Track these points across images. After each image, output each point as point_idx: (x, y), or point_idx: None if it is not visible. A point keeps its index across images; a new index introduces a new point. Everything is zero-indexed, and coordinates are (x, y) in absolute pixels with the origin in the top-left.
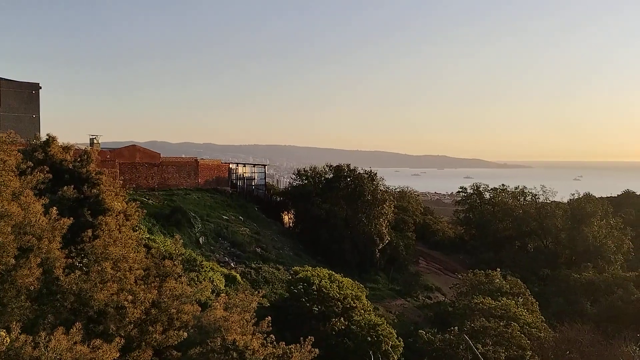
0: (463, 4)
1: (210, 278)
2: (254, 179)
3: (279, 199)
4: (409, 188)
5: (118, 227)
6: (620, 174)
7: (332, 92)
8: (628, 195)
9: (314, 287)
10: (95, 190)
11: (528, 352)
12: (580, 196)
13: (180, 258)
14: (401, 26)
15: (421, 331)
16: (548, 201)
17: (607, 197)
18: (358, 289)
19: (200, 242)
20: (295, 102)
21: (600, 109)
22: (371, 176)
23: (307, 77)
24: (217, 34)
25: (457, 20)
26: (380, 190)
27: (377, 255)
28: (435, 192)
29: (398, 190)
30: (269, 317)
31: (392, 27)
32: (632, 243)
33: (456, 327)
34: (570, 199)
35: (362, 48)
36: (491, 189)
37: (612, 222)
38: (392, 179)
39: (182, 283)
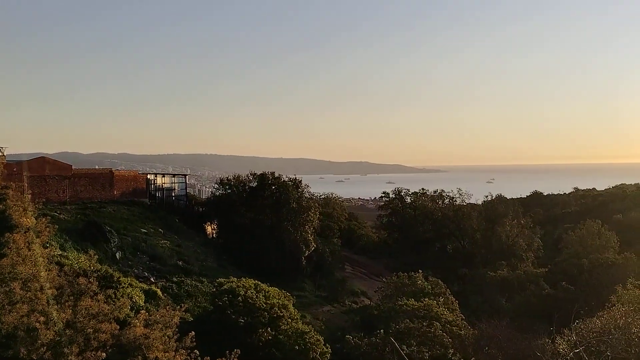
0: (386, 10)
1: (128, 294)
2: (174, 189)
3: (201, 209)
4: (334, 194)
5: (27, 244)
6: (529, 176)
7: (254, 98)
8: (536, 195)
9: (240, 298)
10: (0, 206)
11: (450, 350)
12: (493, 198)
13: (95, 275)
14: (322, 33)
15: (348, 336)
16: (464, 203)
17: (518, 198)
18: (285, 297)
19: (117, 257)
20: (217, 109)
21: (509, 116)
22: (296, 184)
23: (227, 82)
24: (131, 34)
25: (381, 24)
26: (305, 197)
27: (304, 263)
28: (359, 198)
29: (323, 197)
30: (192, 332)
31: (313, 35)
32: (541, 241)
33: (382, 330)
34: (484, 201)
35: (285, 54)
36: (412, 193)
37: (522, 221)
38: (316, 186)
39: (98, 301)
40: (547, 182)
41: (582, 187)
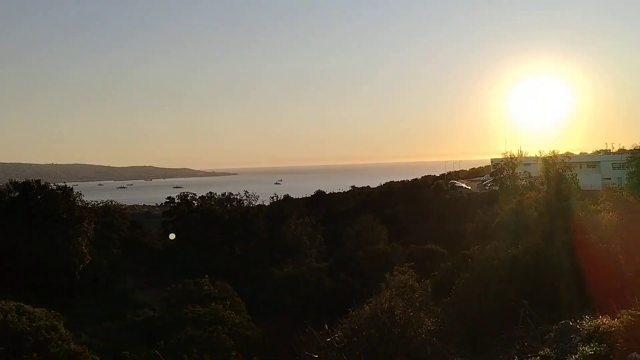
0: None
1: None
2: None
3: None
4: (114, 202)
5: None
6: (314, 176)
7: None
8: (319, 195)
9: None
10: None
11: (233, 353)
12: (280, 199)
13: None
14: (128, 33)
15: (125, 352)
16: (252, 205)
17: (303, 198)
18: (54, 318)
19: None
20: None
21: (301, 119)
22: (66, 192)
23: None
24: None
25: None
26: (78, 206)
27: (78, 278)
28: (144, 205)
29: (101, 205)
30: None
31: (117, 35)
32: (324, 237)
33: (162, 342)
34: (271, 202)
35: (80, 56)
36: (199, 198)
37: (306, 219)
38: (95, 194)
39: None
40: (329, 181)
41: (358, 185)
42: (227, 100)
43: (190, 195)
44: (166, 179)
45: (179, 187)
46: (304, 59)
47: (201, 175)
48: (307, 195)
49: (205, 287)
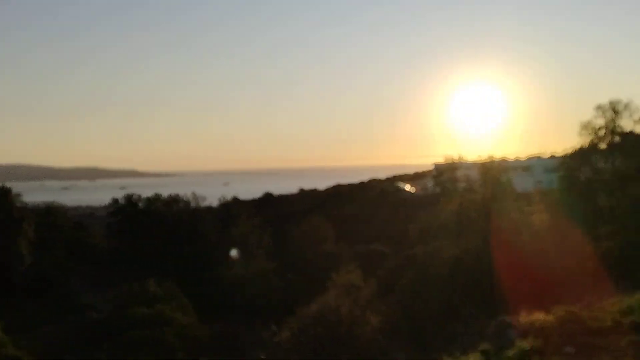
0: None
1: None
2: None
3: None
4: (57, 203)
5: None
6: (263, 178)
7: None
8: (268, 196)
9: None
10: None
11: (179, 354)
12: (228, 200)
13: None
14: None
15: (67, 356)
16: (200, 207)
17: (251, 199)
18: None
19: None
20: None
21: (247, 120)
22: (4, 192)
23: None
24: None
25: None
26: (17, 207)
27: (18, 280)
28: (88, 206)
29: (43, 206)
30: None
31: (54, 32)
32: (272, 238)
33: (107, 344)
34: (219, 204)
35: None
36: (145, 199)
37: (255, 221)
38: (37, 195)
39: None
40: (278, 183)
41: (306, 187)
42: (173, 100)
43: (135, 196)
44: (112, 180)
45: (125, 189)
46: (248, 58)
47: (148, 177)
48: (256, 197)
49: (152, 288)
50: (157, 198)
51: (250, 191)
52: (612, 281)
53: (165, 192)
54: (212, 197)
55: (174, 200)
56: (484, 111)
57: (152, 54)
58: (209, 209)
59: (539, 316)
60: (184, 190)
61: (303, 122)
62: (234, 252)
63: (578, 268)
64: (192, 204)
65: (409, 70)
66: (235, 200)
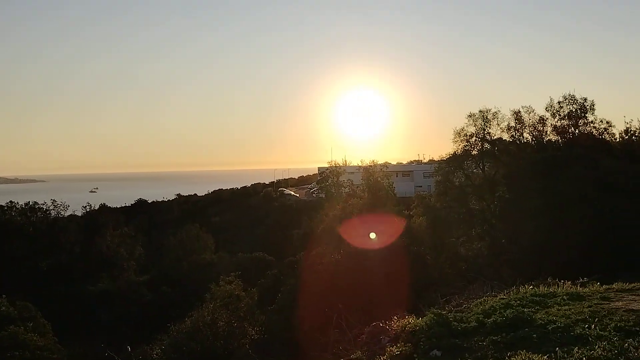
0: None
1: None
2: None
3: None
4: None
5: None
6: (135, 183)
7: None
8: (141, 203)
9: None
10: None
11: None
12: (95, 208)
13: None
14: None
15: None
16: (61, 216)
17: (122, 207)
18: None
19: None
20: None
21: (120, 122)
22: None
23: None
24: None
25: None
26: None
27: None
28: None
29: None
30: None
31: None
32: (145, 248)
33: None
34: (84, 212)
35: None
36: None
37: (125, 230)
38: None
39: None
40: (153, 189)
41: (184, 193)
42: (35, 99)
43: None
44: None
45: None
46: (122, 59)
47: (2, 182)
48: (127, 204)
49: (3, 307)
50: (11, 206)
51: (121, 198)
52: (480, 281)
53: (21, 200)
54: (77, 204)
55: (31, 208)
56: (368, 117)
57: (30, 52)
58: (73, 217)
59: (410, 320)
60: (43, 198)
61: (183, 126)
62: None
63: (450, 270)
64: (53, 213)
65: (297, 74)
66: (103, 207)
